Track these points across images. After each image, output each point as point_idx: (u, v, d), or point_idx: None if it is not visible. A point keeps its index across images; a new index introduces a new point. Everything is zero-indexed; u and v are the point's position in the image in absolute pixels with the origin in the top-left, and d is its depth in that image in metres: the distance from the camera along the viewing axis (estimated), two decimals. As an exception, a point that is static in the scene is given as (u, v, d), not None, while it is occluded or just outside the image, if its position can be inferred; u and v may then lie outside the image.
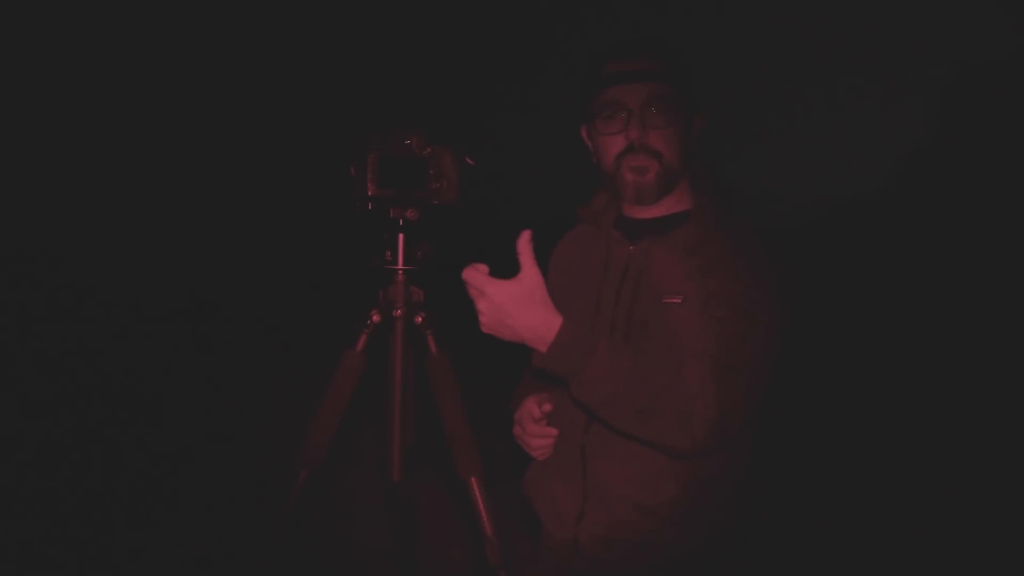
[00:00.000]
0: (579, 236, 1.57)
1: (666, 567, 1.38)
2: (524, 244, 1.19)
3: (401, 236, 1.45)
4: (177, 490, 3.02)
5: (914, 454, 3.46)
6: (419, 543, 1.59)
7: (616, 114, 1.37)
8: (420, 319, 1.45)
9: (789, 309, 1.32)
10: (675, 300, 1.34)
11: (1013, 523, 2.80)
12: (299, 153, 8.97)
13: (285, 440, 1.58)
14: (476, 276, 1.20)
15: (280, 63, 9.57)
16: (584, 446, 1.41)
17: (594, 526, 1.40)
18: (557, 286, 1.55)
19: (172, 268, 7.08)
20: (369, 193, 1.40)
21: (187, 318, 5.96)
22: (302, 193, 8.41)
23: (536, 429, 1.47)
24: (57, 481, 3.04)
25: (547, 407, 1.45)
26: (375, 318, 1.46)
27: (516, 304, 1.19)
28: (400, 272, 1.46)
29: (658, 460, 1.33)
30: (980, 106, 8.74)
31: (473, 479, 1.44)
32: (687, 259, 1.37)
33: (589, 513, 1.41)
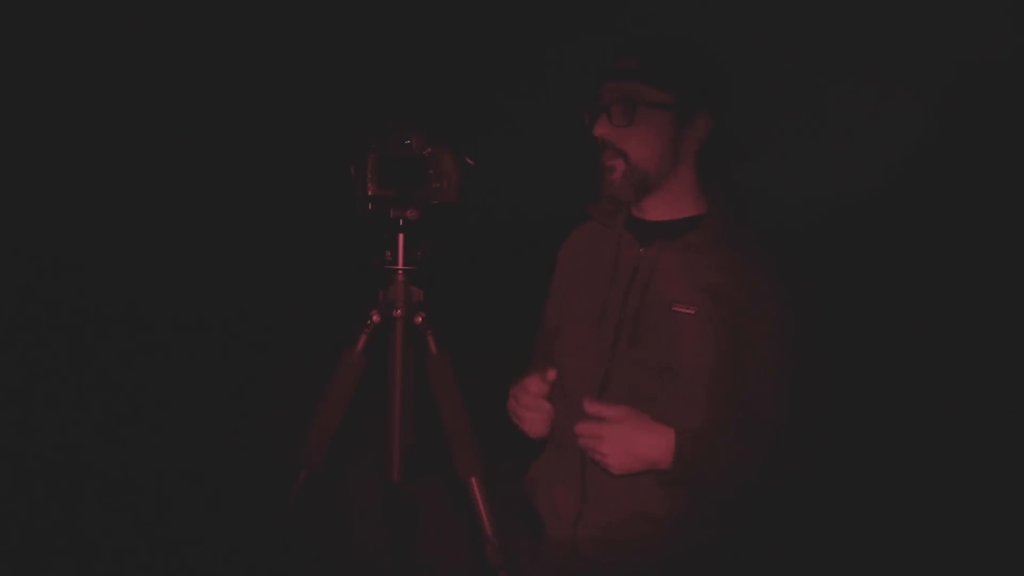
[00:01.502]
0: (588, 234, 1.56)
1: (664, 569, 1.38)
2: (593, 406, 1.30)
3: (401, 236, 1.46)
4: (177, 490, 3.02)
5: (914, 455, 3.46)
6: (419, 543, 1.59)
7: (598, 110, 1.37)
8: (420, 319, 1.46)
9: (810, 312, 1.35)
10: (687, 311, 1.34)
11: (1013, 523, 2.80)
12: (299, 153, 8.97)
13: (285, 440, 1.58)
14: (590, 428, 1.27)
15: (280, 62, 9.57)
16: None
17: (592, 527, 1.40)
18: (565, 283, 1.55)
19: (171, 268, 7.07)
20: (369, 193, 1.40)
21: (186, 317, 5.96)
22: (302, 193, 8.40)
23: (529, 400, 1.45)
24: (55, 481, 3.04)
25: (552, 374, 1.44)
26: (375, 318, 1.46)
27: (633, 432, 1.27)
28: (400, 272, 1.46)
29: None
30: (980, 106, 8.73)
31: (473, 479, 1.44)
32: (697, 266, 1.36)
33: (587, 514, 1.40)
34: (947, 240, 7.46)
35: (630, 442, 1.27)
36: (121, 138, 8.24)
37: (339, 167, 1.45)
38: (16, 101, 7.24)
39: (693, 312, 1.33)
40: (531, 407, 1.46)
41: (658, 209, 1.43)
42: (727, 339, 1.32)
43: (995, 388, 4.19)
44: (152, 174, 8.33)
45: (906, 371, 4.57)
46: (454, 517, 2.62)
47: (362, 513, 2.86)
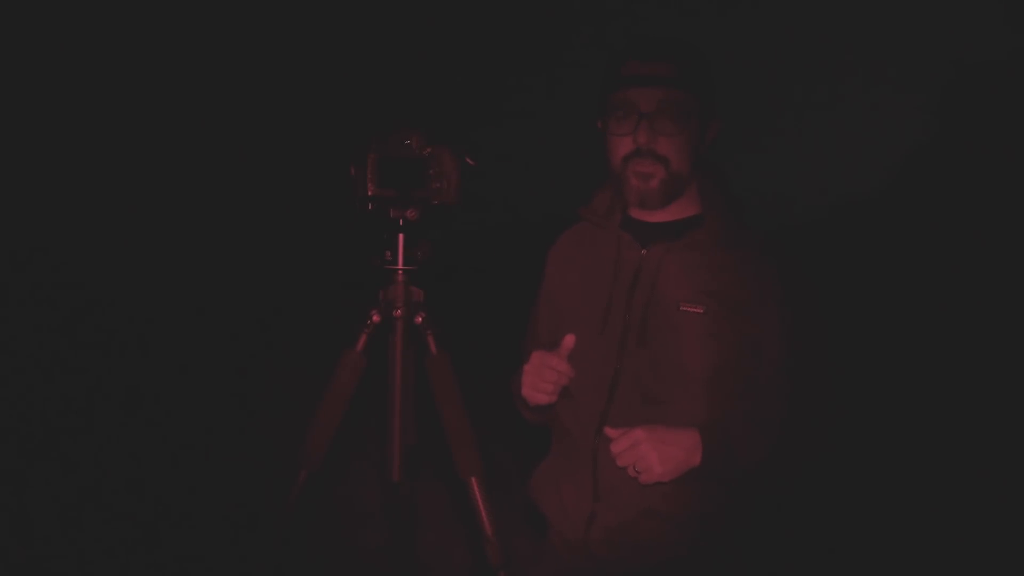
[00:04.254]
0: (581, 237, 1.55)
1: (674, 567, 1.38)
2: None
3: (401, 236, 1.45)
4: (177, 490, 3.02)
5: (915, 454, 3.46)
6: (419, 543, 1.59)
7: (628, 115, 1.35)
8: (420, 319, 1.45)
9: (812, 307, 1.37)
10: (696, 309, 1.34)
11: (1013, 523, 2.80)
12: (299, 153, 8.97)
13: (285, 440, 1.58)
14: (624, 440, 1.28)
15: (280, 63, 9.57)
16: (596, 449, 1.41)
17: (605, 529, 1.40)
18: (560, 288, 1.54)
19: (172, 268, 7.08)
20: (369, 193, 1.40)
21: (187, 318, 5.96)
22: (302, 193, 8.41)
23: (559, 362, 1.37)
24: (56, 481, 3.04)
25: (571, 340, 1.38)
26: (375, 318, 1.45)
27: (661, 440, 1.28)
28: (400, 272, 1.46)
29: None
30: (980, 106, 8.74)
31: (473, 479, 1.44)
32: (701, 266, 1.37)
33: (600, 515, 1.41)
34: (947, 239, 7.47)
35: (663, 450, 1.27)
36: (122, 139, 8.25)
37: (339, 167, 1.45)
38: (18, 102, 7.24)
39: (702, 311, 1.34)
40: (559, 367, 1.38)
41: (655, 211, 1.43)
42: (733, 337, 1.33)
43: (995, 387, 4.19)
44: (153, 175, 8.34)
45: (906, 369, 4.57)
46: (454, 517, 2.62)
47: (362, 513, 2.86)
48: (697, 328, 1.34)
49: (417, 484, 1.51)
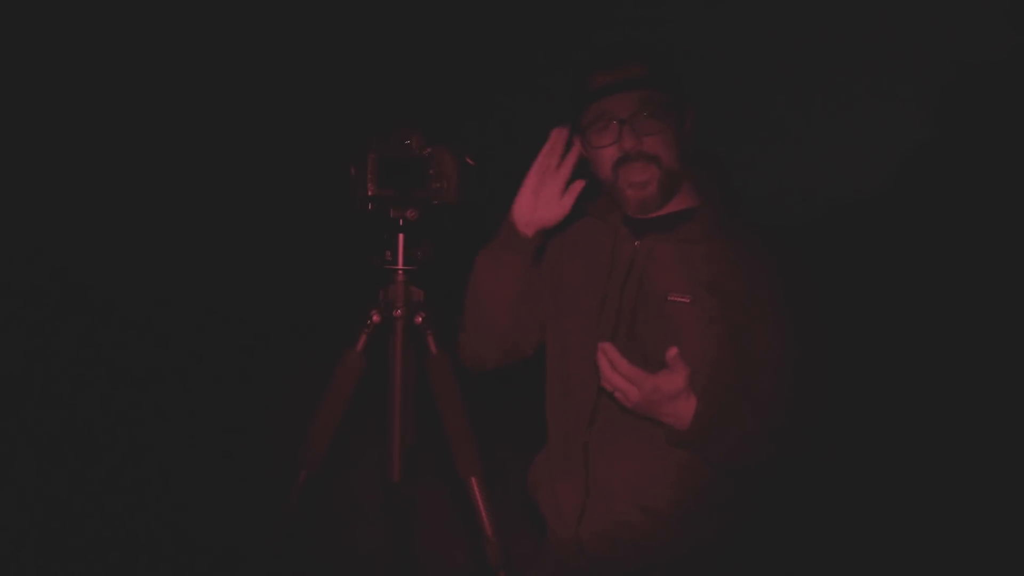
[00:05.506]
0: (585, 229, 1.56)
1: (668, 566, 1.38)
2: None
3: (401, 236, 1.46)
4: (177, 489, 3.02)
5: (915, 454, 3.46)
6: (419, 543, 1.59)
7: (608, 125, 1.36)
8: (420, 319, 1.46)
9: (807, 298, 1.35)
10: (683, 299, 1.34)
11: (1013, 523, 2.80)
12: (299, 153, 8.97)
13: (285, 440, 1.58)
14: (628, 379, 1.24)
15: (281, 63, 9.57)
16: (588, 442, 1.41)
17: (596, 524, 1.40)
18: (561, 278, 1.55)
19: (172, 267, 7.07)
20: (369, 193, 1.40)
21: (187, 317, 5.96)
22: (302, 193, 8.40)
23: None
24: (56, 481, 3.04)
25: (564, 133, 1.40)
26: (375, 318, 1.46)
27: (664, 405, 1.25)
28: (400, 272, 1.46)
29: (661, 460, 1.34)
30: (980, 106, 8.73)
31: (473, 479, 1.44)
32: (692, 257, 1.37)
33: (591, 510, 1.41)
34: (947, 239, 7.47)
35: (650, 406, 1.25)
36: (122, 139, 8.24)
37: (339, 167, 1.45)
38: (18, 102, 7.24)
39: (688, 300, 1.34)
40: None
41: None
42: (724, 327, 1.33)
43: (995, 386, 4.19)
44: (153, 174, 8.33)
45: (906, 367, 4.57)
46: (454, 517, 2.63)
47: (362, 513, 2.86)
48: (685, 318, 1.34)
49: (417, 484, 1.51)
